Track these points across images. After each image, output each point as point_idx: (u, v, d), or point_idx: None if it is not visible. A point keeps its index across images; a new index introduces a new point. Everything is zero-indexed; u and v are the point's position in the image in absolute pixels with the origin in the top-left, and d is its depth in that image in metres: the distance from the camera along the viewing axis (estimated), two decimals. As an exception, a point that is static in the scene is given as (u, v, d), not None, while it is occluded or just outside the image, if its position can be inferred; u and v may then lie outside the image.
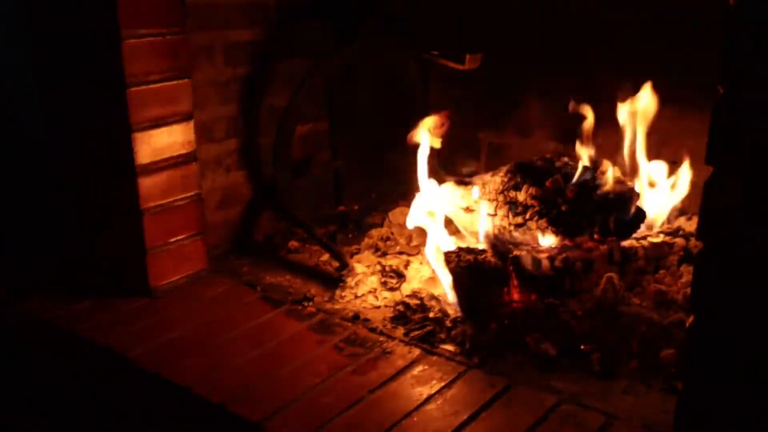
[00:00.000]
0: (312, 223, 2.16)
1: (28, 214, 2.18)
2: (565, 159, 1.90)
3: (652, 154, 1.97)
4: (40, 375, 1.91)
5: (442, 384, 1.49)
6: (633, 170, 1.96)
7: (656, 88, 1.89)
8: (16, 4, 1.99)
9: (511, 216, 1.81)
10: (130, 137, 1.80)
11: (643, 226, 1.82)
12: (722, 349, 1.02)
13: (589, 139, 1.92)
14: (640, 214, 1.81)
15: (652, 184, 1.96)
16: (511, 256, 1.71)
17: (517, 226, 1.81)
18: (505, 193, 1.84)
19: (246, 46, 2.14)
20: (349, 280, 1.90)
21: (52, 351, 1.85)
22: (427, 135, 1.96)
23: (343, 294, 1.87)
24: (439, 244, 1.80)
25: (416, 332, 1.68)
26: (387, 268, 1.94)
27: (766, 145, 0.92)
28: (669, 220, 1.96)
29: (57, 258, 2.10)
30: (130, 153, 1.81)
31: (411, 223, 1.92)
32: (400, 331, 1.70)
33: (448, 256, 1.73)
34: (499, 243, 1.82)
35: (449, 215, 1.97)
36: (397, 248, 2.09)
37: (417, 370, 1.55)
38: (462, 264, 1.70)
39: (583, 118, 1.92)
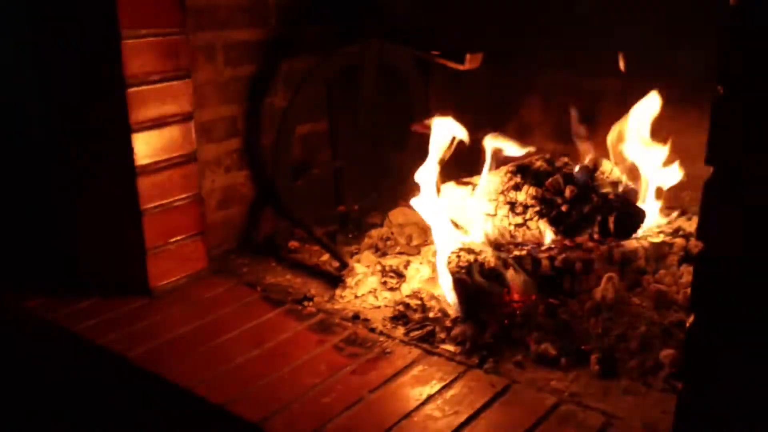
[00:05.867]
0: (312, 223, 2.16)
1: (29, 214, 2.18)
2: (565, 159, 1.91)
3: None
4: (40, 375, 1.91)
5: (442, 384, 1.49)
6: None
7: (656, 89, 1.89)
8: (17, 3, 1.99)
9: (511, 216, 1.81)
10: (130, 137, 1.80)
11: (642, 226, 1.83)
12: (722, 349, 1.02)
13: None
14: (640, 214, 1.81)
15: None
16: (511, 256, 1.71)
17: (517, 226, 1.81)
18: (505, 193, 1.84)
19: (246, 46, 2.14)
20: (349, 280, 1.90)
21: (52, 351, 1.85)
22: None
23: (343, 294, 1.87)
24: (442, 244, 1.80)
25: (416, 332, 1.68)
26: (387, 268, 1.94)
27: (766, 145, 0.92)
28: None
29: (57, 258, 2.10)
30: (130, 153, 1.81)
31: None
32: (400, 331, 1.70)
33: (448, 256, 1.73)
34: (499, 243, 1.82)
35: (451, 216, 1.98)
36: (397, 248, 2.09)
37: (417, 370, 1.55)
38: (462, 264, 1.70)
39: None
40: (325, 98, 2.38)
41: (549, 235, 1.76)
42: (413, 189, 1.95)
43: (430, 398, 1.45)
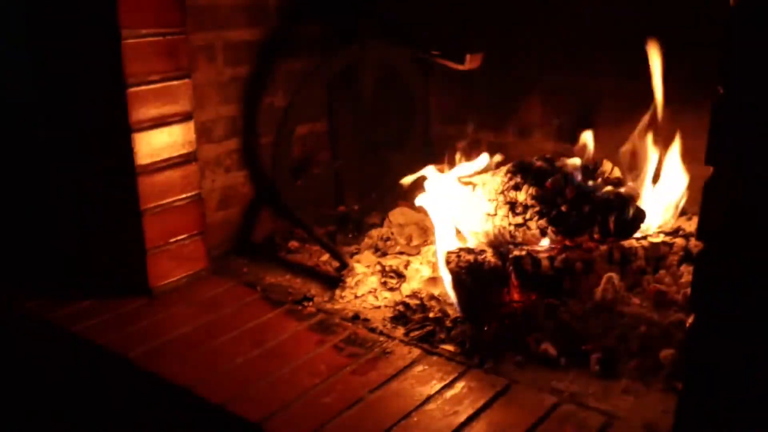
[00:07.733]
0: (312, 223, 2.16)
1: (29, 214, 2.18)
2: (565, 159, 1.90)
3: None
4: (40, 375, 1.91)
5: (442, 384, 1.49)
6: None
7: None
8: (16, 3, 1.99)
9: (511, 216, 1.81)
10: (130, 137, 1.80)
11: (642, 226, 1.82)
12: (722, 349, 1.02)
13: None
14: (640, 214, 1.81)
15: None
16: (511, 256, 1.71)
17: (518, 226, 1.80)
18: (505, 193, 1.84)
19: (246, 46, 2.14)
20: (349, 280, 1.90)
21: (52, 351, 1.85)
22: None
23: (343, 294, 1.87)
24: (442, 243, 1.80)
25: (416, 332, 1.68)
26: (387, 268, 1.94)
27: (766, 145, 0.92)
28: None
29: (57, 258, 2.10)
30: (130, 153, 1.81)
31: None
32: (400, 331, 1.70)
33: (448, 256, 1.73)
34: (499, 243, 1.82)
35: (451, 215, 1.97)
36: (397, 248, 2.09)
37: (417, 370, 1.55)
38: (462, 264, 1.70)
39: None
40: (325, 98, 2.38)
41: (549, 235, 1.76)
42: (413, 188, 1.96)
43: (430, 398, 1.45)
